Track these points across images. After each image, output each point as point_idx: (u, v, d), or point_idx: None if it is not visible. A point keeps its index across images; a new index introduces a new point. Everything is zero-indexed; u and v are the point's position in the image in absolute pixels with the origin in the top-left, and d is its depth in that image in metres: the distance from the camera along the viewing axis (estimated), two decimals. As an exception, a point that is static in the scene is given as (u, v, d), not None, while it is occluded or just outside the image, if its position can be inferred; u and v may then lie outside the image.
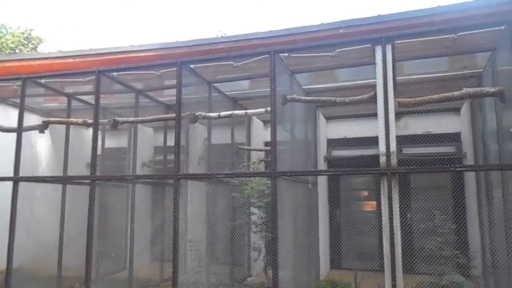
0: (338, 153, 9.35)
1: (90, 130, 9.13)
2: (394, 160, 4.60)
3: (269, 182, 6.62)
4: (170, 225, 8.14)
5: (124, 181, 7.66)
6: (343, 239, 9.02)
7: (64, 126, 7.96)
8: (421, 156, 7.85)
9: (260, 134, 9.37)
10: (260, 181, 6.62)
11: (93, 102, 6.06)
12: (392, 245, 4.46)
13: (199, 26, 45.23)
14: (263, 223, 6.74)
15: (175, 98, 8.71)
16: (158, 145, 9.99)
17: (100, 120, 6.09)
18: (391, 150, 4.62)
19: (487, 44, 5.17)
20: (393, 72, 4.77)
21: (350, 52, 5.70)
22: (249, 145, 8.31)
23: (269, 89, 9.16)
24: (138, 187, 7.81)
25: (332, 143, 9.25)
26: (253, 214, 6.97)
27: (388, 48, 4.79)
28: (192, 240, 6.28)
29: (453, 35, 4.87)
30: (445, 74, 6.47)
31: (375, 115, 8.86)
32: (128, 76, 7.33)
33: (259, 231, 6.79)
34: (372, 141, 8.98)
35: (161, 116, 6.88)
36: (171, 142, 8.83)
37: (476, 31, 4.74)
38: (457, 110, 8.05)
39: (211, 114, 5.99)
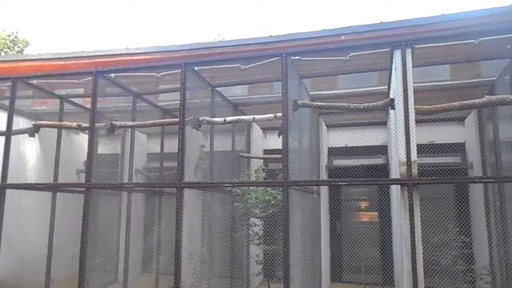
0: (338, 162, 9.13)
1: (81, 135, 8.78)
2: (415, 170, 4.35)
3: (274, 192, 6.41)
4: (167, 236, 7.78)
5: (119, 189, 7.24)
6: (344, 252, 8.74)
7: (53, 130, 7.53)
8: (425, 167, 7.67)
9: (260, 142, 9.08)
10: (264, 190, 6.31)
11: (86, 106, 5.68)
12: (414, 260, 4.18)
13: (198, 28, 44.62)
14: (266, 234, 6.42)
15: (172, 102, 8.47)
16: (151, 152, 9.62)
17: (96, 124, 5.69)
18: (412, 159, 4.36)
19: (504, 51, 5.00)
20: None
21: (355, 59, 5.48)
22: (249, 153, 8.00)
23: (270, 95, 8.99)
24: (130, 196, 7.41)
25: (333, 152, 9.04)
26: (255, 225, 6.63)
27: (408, 53, 4.56)
28: (192, 253, 5.90)
29: (473, 40, 4.67)
30: (455, 82, 6.28)
31: (377, 123, 8.88)
32: (123, 79, 6.97)
33: (262, 243, 6.46)
34: (374, 150, 8.90)
35: (163, 120, 6.52)
36: (167, 148, 8.55)
37: (497, 36, 4.54)
38: (461, 120, 7.93)
39: (216, 119, 5.66)
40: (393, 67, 4.66)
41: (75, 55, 8.76)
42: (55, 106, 8.05)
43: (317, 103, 5.07)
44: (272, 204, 5.96)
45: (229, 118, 5.50)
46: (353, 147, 8.86)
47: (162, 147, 8.10)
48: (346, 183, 4.67)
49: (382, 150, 8.73)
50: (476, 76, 5.75)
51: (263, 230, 6.45)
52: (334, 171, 8.88)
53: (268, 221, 6.10)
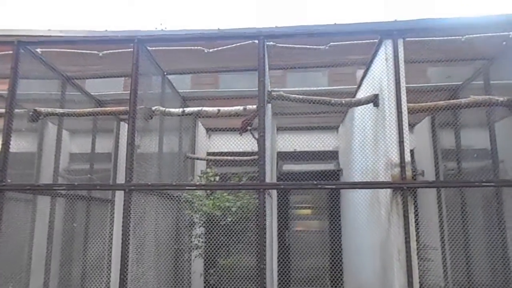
0: (288, 167, 8.65)
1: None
2: (409, 172, 3.90)
3: (230, 197, 5.63)
4: (96, 254, 6.54)
5: (40, 193, 5.87)
6: (292, 262, 8.21)
7: None
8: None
9: (204, 143, 8.23)
10: (221, 195, 5.51)
11: None
12: (410, 275, 3.70)
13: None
14: (220, 246, 5.59)
15: (108, 92, 7.26)
16: (74, 151, 8.22)
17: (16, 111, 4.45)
18: (406, 161, 3.91)
19: (482, 53, 4.85)
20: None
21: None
22: (194, 155, 7.11)
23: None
24: (54, 202, 6.06)
25: (282, 156, 8.53)
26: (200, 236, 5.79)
27: (400, 43, 4.15)
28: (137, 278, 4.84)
29: (460, 37, 4.41)
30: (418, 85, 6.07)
31: (328, 128, 8.56)
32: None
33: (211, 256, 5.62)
34: (325, 156, 8.56)
35: (108, 108, 5.38)
36: (99, 148, 7.29)
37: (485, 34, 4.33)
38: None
39: (172, 110, 4.73)
40: (383, 58, 4.21)
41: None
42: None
43: (296, 96, 4.43)
44: (233, 212, 5.17)
45: (188, 109, 4.62)
46: (302, 151, 8.47)
47: (93, 146, 6.87)
48: (334, 186, 4.07)
49: (333, 155, 8.44)
50: (446, 78, 5.58)
51: (215, 241, 5.61)
52: (284, 176, 8.36)
53: (225, 231, 5.29)
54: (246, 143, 6.95)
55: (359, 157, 5.74)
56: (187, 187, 4.34)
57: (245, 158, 6.64)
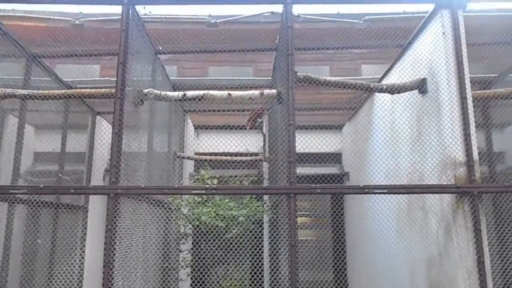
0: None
1: None
2: (478, 174, 3.10)
3: (231, 204, 4.68)
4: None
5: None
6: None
7: None
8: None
9: (193, 143, 7.23)
10: (222, 201, 4.55)
11: None
12: (486, 303, 2.88)
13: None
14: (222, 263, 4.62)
15: (83, 79, 6.16)
16: (40, 150, 7.03)
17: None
18: (474, 158, 3.11)
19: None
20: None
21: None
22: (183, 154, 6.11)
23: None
24: (13, 209, 4.90)
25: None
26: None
27: (460, 14, 3.36)
28: None
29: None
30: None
31: (332, 127, 7.75)
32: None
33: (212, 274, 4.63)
34: (328, 158, 7.74)
35: (83, 90, 4.30)
36: (70, 147, 6.17)
37: None
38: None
39: (170, 94, 3.72)
40: (438, 32, 3.40)
41: None
42: None
43: (330, 78, 3.55)
44: (239, 223, 4.21)
45: (191, 93, 3.63)
46: (300, 153, 7.62)
47: (63, 144, 5.74)
48: (385, 191, 3.20)
49: (335, 158, 7.64)
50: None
51: (216, 257, 4.62)
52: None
53: (228, 245, 4.33)
54: (239, 143, 6.06)
55: (383, 157, 4.93)
56: (193, 191, 3.32)
57: (245, 158, 5.72)
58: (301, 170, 7.59)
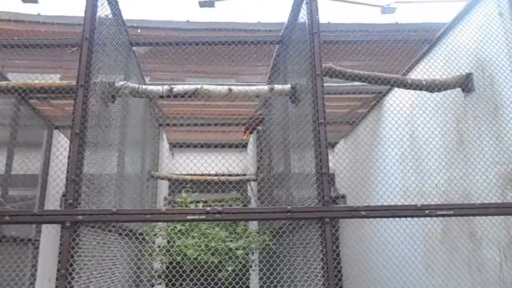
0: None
1: None
2: None
3: (223, 233, 3.75)
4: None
5: None
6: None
7: None
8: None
9: (168, 162, 6.27)
10: (212, 230, 3.61)
11: None
12: None
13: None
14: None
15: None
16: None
17: None
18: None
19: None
20: None
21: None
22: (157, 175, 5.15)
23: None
24: None
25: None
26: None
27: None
28: None
29: None
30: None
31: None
32: None
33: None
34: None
35: (33, 83, 3.27)
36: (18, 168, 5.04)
37: None
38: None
39: (152, 88, 2.81)
40: (492, 14, 2.75)
41: None
42: None
43: (357, 72, 2.80)
44: (236, 257, 3.28)
45: (179, 87, 2.75)
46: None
47: (8, 163, 4.62)
48: (451, 212, 2.40)
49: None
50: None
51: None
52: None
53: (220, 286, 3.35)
54: (222, 163, 5.21)
55: (399, 175, 4.19)
56: (188, 216, 2.32)
57: (233, 178, 4.84)
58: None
